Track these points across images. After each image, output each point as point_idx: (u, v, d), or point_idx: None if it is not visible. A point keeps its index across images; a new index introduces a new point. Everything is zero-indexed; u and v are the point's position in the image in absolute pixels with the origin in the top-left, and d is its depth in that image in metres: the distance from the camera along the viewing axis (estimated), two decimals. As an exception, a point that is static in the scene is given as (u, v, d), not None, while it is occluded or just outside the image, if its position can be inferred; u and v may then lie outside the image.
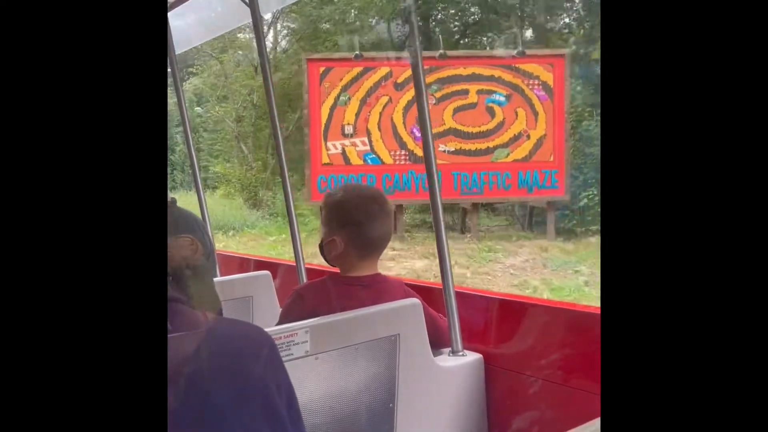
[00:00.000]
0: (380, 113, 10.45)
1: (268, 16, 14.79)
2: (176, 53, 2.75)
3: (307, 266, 2.32)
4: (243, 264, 3.09)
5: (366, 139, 10.45)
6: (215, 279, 2.21)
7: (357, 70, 10.42)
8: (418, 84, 1.69)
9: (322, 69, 10.42)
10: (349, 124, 10.39)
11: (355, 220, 1.48)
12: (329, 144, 10.37)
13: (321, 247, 1.53)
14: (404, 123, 10.43)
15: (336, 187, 1.59)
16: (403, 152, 10.42)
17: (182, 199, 3.24)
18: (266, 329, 0.65)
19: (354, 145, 10.44)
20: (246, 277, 2.23)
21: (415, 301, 1.51)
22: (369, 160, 10.44)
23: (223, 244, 11.07)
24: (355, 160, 10.41)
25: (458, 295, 1.71)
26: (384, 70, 10.48)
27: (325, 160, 10.34)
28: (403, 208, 11.01)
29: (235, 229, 12.95)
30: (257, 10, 2.33)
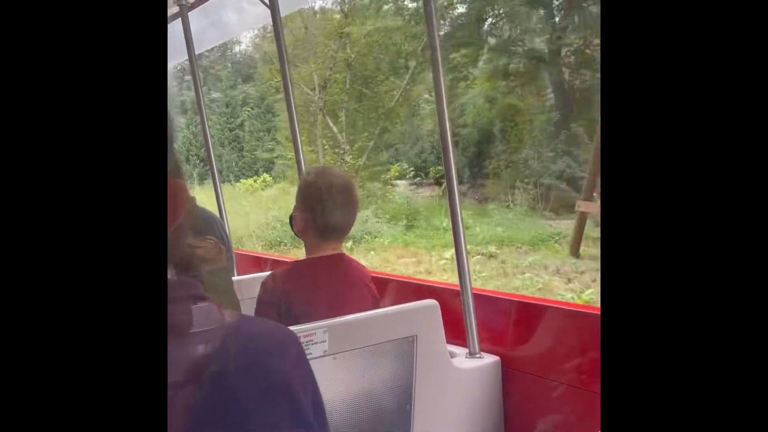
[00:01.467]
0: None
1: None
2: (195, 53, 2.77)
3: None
4: (259, 262, 3.12)
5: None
6: (234, 278, 2.23)
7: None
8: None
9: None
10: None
11: (319, 206, 1.52)
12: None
13: (290, 219, 1.61)
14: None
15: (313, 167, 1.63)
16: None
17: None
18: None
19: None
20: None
21: (433, 302, 1.52)
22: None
23: (367, 261, 7.73)
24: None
25: (475, 296, 1.70)
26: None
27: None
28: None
29: (354, 238, 9.74)
30: (277, 11, 2.34)
